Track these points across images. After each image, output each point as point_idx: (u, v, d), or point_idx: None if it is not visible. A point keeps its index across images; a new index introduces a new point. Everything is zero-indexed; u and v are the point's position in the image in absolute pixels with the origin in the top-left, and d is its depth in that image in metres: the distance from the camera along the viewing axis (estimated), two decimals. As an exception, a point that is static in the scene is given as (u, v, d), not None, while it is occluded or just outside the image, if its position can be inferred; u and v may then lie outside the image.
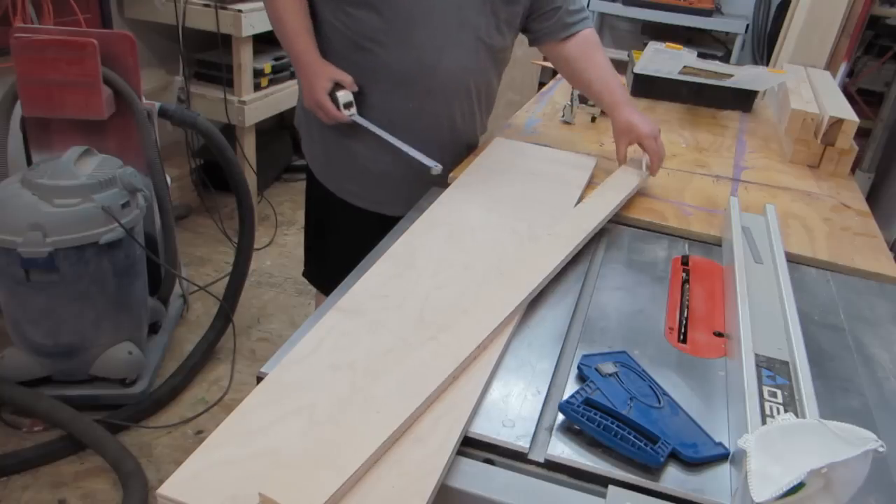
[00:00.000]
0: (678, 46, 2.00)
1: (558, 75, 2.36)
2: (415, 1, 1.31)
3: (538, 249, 1.07)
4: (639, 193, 1.38)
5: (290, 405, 0.72)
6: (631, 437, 0.72)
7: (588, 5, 4.00)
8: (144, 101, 2.04)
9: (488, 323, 0.87)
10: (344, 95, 1.36)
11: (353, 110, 1.37)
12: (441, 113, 1.44)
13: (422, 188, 1.34)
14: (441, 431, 0.72)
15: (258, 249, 2.81)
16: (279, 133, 3.53)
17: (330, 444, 0.66)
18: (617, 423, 0.73)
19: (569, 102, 1.78)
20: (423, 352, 0.81)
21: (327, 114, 1.36)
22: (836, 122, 1.62)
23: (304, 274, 1.76)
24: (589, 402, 0.77)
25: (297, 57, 1.37)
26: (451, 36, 1.36)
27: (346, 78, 1.36)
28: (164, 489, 0.62)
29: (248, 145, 2.95)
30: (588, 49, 1.48)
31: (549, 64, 1.74)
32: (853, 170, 1.69)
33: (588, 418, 0.74)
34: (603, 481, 0.72)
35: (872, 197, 3.03)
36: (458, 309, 0.92)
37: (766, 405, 0.77)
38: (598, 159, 1.49)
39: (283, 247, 3.01)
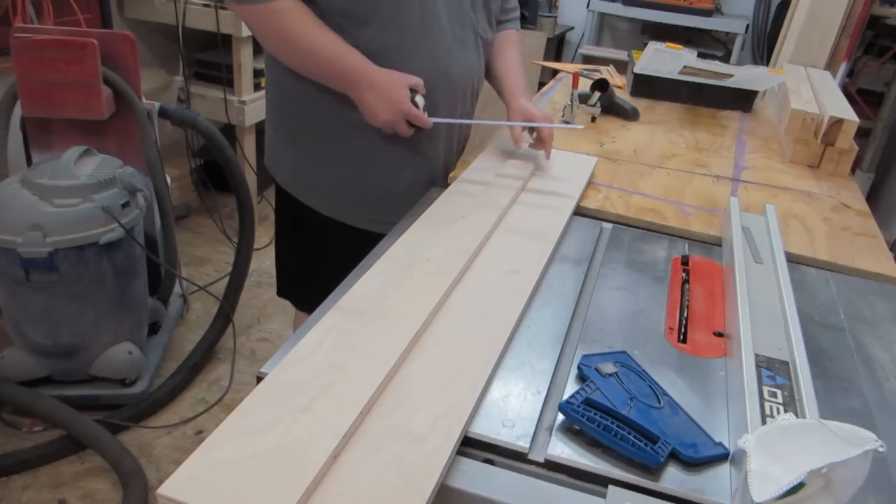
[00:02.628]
0: (678, 46, 2.00)
1: (558, 75, 2.37)
2: (423, 10, 1.26)
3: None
4: (638, 193, 1.39)
5: (290, 405, 0.72)
6: (631, 437, 0.72)
7: (588, 6, 4.00)
8: (144, 101, 2.04)
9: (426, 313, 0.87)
10: (420, 100, 1.26)
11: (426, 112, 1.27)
12: (452, 115, 1.41)
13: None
14: (441, 431, 0.71)
15: (258, 249, 2.81)
16: (279, 133, 3.52)
17: (299, 448, 0.67)
18: (617, 423, 0.73)
19: (569, 102, 1.78)
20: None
21: (417, 121, 1.25)
22: (836, 122, 1.62)
23: (281, 294, 1.64)
24: (589, 402, 0.77)
25: (358, 75, 1.22)
26: (458, 38, 1.34)
27: (419, 81, 1.26)
28: (164, 489, 0.62)
29: (248, 145, 2.95)
30: (503, 43, 1.50)
31: (549, 64, 1.74)
32: (853, 170, 1.69)
33: (588, 418, 0.74)
34: (603, 481, 0.72)
35: (872, 197, 3.04)
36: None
37: (766, 405, 0.77)
38: (598, 159, 1.49)
39: (283, 247, 3.00)
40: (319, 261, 1.49)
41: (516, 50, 1.51)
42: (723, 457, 0.74)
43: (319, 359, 0.80)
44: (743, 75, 1.95)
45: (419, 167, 1.41)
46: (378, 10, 1.23)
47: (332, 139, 1.36)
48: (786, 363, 0.85)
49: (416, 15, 1.26)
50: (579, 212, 1.31)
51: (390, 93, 1.22)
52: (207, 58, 2.89)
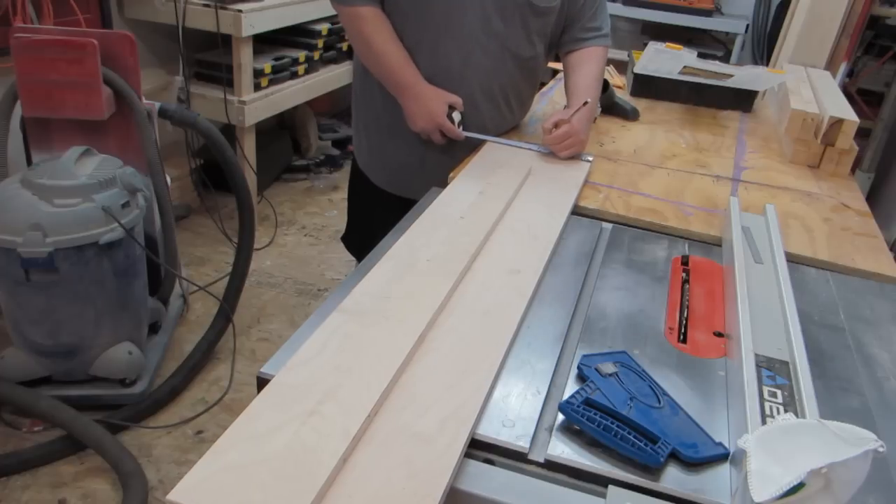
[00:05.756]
0: (678, 46, 2.00)
1: (558, 75, 2.37)
2: (445, 15, 1.42)
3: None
4: (638, 193, 1.39)
5: (297, 408, 0.72)
6: (631, 437, 0.72)
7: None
8: (144, 101, 2.03)
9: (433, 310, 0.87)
10: (457, 115, 1.47)
11: (462, 126, 1.49)
12: (469, 115, 1.51)
13: (434, 179, 1.43)
14: (449, 433, 0.72)
15: (258, 249, 2.81)
16: (279, 133, 3.52)
17: (308, 451, 0.67)
18: (617, 423, 0.73)
19: (569, 102, 1.78)
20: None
21: (448, 133, 1.47)
22: (836, 122, 1.62)
23: (342, 239, 1.95)
24: (589, 402, 0.77)
25: (408, 87, 1.46)
26: (478, 47, 1.46)
27: (458, 99, 1.48)
28: (173, 495, 0.61)
29: (248, 145, 2.95)
30: (582, 60, 1.57)
31: (549, 64, 1.74)
32: (853, 170, 1.69)
33: (588, 418, 0.74)
34: (603, 481, 0.72)
35: (872, 197, 3.03)
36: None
37: (766, 405, 0.77)
38: (596, 159, 1.49)
39: (283, 247, 3.00)
40: (371, 219, 1.75)
41: (593, 66, 1.57)
42: (723, 457, 0.75)
43: (324, 361, 0.80)
44: (743, 75, 1.95)
45: (443, 148, 1.55)
46: (409, 9, 1.43)
47: (389, 132, 1.59)
48: (786, 363, 0.85)
49: (436, 19, 1.43)
50: (579, 212, 1.31)
51: (429, 105, 1.45)
52: (207, 58, 2.89)
